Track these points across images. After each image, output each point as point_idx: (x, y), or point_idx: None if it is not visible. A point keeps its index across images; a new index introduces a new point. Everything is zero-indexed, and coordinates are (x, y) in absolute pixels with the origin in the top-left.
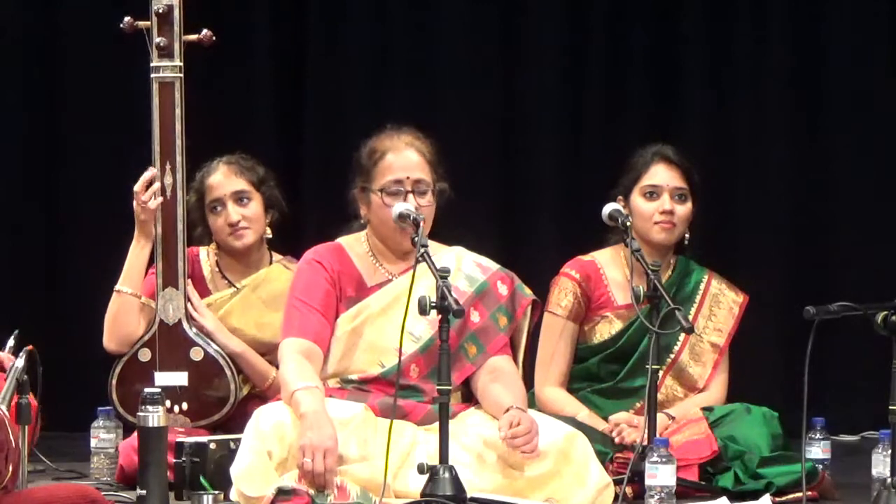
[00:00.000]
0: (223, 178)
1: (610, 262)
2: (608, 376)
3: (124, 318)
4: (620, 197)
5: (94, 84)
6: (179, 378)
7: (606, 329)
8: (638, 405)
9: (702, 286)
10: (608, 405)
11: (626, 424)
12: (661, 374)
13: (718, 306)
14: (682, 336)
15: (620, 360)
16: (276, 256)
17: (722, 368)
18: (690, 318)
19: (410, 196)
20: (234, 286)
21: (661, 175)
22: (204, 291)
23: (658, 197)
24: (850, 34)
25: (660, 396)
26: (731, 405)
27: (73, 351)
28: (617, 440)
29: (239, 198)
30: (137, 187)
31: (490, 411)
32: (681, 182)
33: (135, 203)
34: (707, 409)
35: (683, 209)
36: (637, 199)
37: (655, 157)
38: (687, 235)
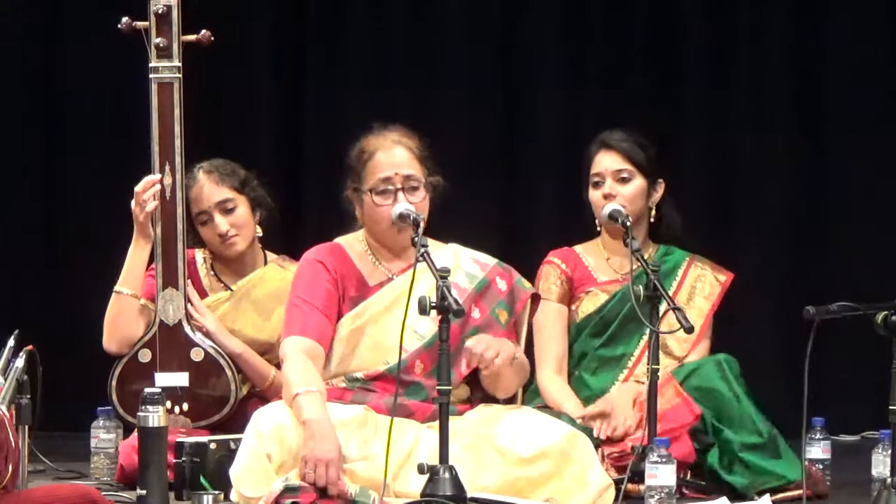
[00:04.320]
0: (206, 189)
1: (587, 251)
2: (591, 349)
3: (124, 319)
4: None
5: (94, 84)
6: (180, 379)
7: (592, 303)
8: (622, 377)
9: (683, 263)
10: (594, 381)
11: (599, 419)
12: (641, 346)
13: (702, 280)
14: (662, 309)
15: (602, 333)
16: (271, 256)
17: (703, 337)
18: (671, 291)
19: (401, 194)
20: (230, 288)
21: (602, 162)
22: (201, 293)
23: (602, 184)
24: (851, 31)
25: (641, 368)
26: (697, 360)
27: (73, 351)
28: (596, 435)
29: (224, 207)
30: (139, 188)
31: (488, 386)
32: (621, 163)
33: (133, 204)
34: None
35: (627, 188)
36: (589, 190)
37: (596, 147)
38: (653, 213)
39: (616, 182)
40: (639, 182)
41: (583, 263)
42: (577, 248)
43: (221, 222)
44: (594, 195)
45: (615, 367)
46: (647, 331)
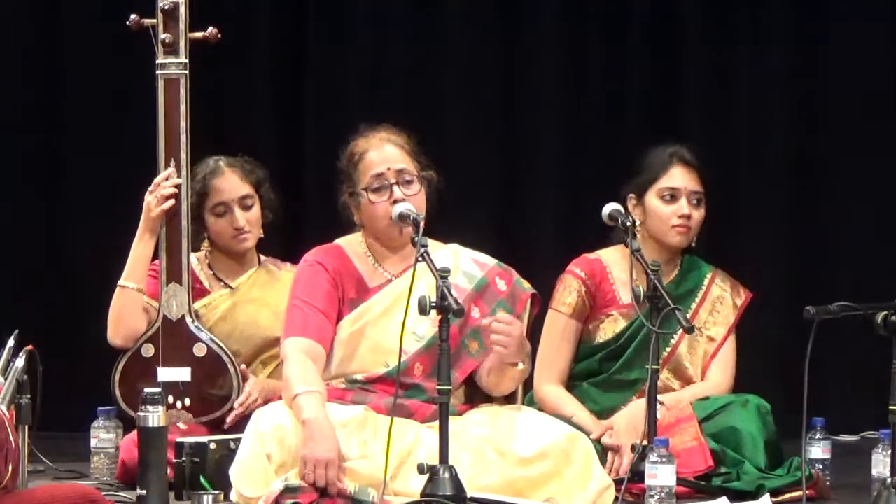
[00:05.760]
0: (230, 182)
1: (616, 261)
2: (606, 369)
3: (129, 312)
4: (633, 195)
5: (99, 81)
6: (182, 374)
7: (611, 328)
8: (633, 398)
9: (705, 281)
10: (603, 398)
11: (612, 452)
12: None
13: (722, 303)
14: (679, 330)
15: (619, 356)
16: (263, 257)
17: (723, 355)
18: (691, 312)
19: (396, 188)
20: (229, 286)
21: (680, 178)
22: (201, 293)
23: (676, 200)
24: (852, 27)
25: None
26: (727, 396)
27: (73, 351)
28: (606, 470)
29: (245, 203)
30: (159, 179)
31: (489, 382)
32: (698, 185)
33: (148, 195)
34: (704, 399)
35: (699, 213)
36: (654, 200)
37: (674, 159)
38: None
39: (691, 203)
40: (704, 207)
41: (608, 280)
42: (606, 258)
43: (240, 216)
44: (664, 209)
45: (628, 389)
46: (664, 356)
